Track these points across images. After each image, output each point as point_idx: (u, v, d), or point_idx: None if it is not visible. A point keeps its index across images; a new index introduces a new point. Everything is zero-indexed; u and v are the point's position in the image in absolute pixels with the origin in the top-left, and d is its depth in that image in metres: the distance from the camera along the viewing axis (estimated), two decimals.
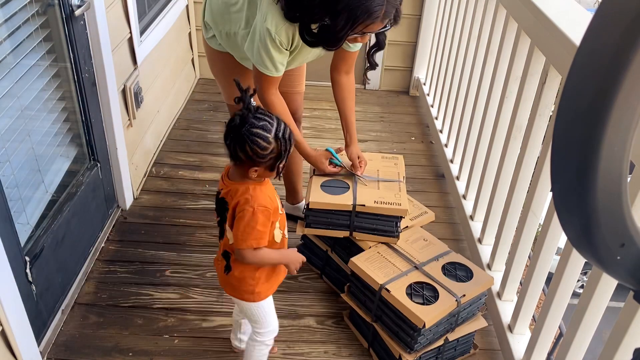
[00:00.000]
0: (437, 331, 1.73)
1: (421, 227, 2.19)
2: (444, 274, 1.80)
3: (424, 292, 1.73)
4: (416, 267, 1.82)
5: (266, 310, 1.58)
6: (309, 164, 2.07)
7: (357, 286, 1.87)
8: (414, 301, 1.69)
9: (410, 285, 1.74)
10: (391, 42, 3.71)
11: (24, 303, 1.61)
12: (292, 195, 2.46)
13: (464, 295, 1.71)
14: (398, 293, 1.70)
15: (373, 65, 1.87)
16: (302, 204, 2.45)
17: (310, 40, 1.61)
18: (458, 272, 1.82)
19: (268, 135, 1.32)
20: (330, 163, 2.02)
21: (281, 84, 2.08)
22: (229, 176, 1.45)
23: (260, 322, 1.59)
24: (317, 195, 1.96)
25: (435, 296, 1.71)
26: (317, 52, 1.82)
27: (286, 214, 2.49)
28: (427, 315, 1.63)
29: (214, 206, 1.52)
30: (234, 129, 1.32)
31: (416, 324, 1.65)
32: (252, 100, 1.34)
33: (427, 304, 1.68)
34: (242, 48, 1.80)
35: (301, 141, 1.94)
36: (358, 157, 2.07)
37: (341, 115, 2.07)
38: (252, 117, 1.32)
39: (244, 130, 1.31)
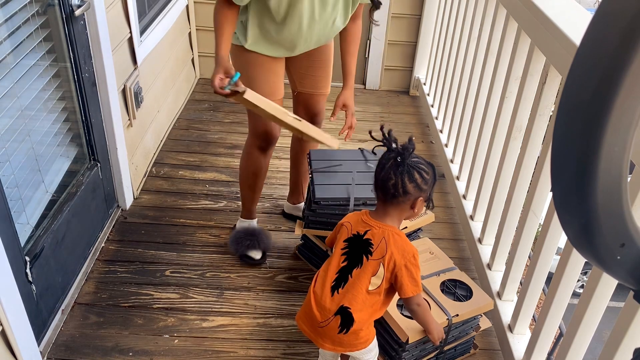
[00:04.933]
0: (424, 348, 1.71)
1: (421, 227, 2.19)
2: (442, 290, 1.77)
3: None
4: None
5: (376, 338, 1.55)
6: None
7: None
8: (403, 314, 1.66)
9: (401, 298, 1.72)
10: (391, 42, 3.71)
11: (24, 303, 1.61)
12: (294, 195, 2.47)
13: (457, 315, 1.68)
14: None
15: (377, 5, 1.85)
16: (302, 204, 2.45)
17: None
18: (458, 290, 1.79)
19: (425, 163, 1.45)
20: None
21: (307, 85, 2.09)
22: (375, 218, 1.47)
23: (371, 348, 1.55)
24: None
25: None
26: (317, 7, 1.74)
27: (286, 213, 2.50)
28: (413, 330, 1.61)
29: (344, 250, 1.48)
30: (398, 165, 1.41)
31: (400, 337, 1.63)
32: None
33: None
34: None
35: (222, 41, 1.74)
36: (344, 106, 2.03)
37: (341, 58, 2.05)
38: (404, 151, 1.42)
39: (409, 162, 1.41)
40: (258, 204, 2.58)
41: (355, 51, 2.05)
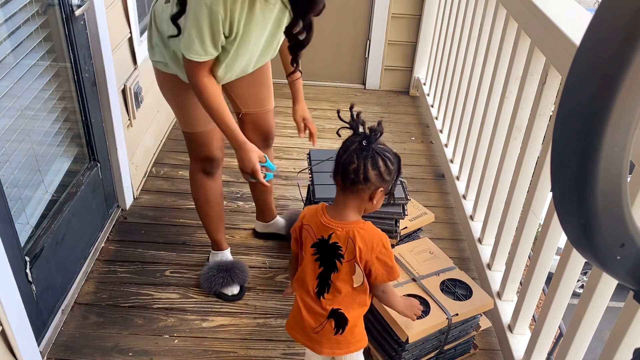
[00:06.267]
0: (423, 347, 1.71)
1: (421, 227, 2.19)
2: (442, 290, 1.77)
3: None
4: (414, 280, 1.79)
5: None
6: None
7: None
8: None
9: (403, 297, 1.72)
10: (391, 42, 3.71)
11: (24, 303, 1.61)
12: (264, 212, 2.34)
13: (457, 315, 1.68)
14: None
15: (295, 60, 1.72)
16: (278, 219, 2.37)
17: None
18: (457, 290, 1.79)
19: (391, 152, 1.35)
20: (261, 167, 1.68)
21: (250, 105, 1.98)
22: (334, 217, 1.38)
23: (359, 356, 1.54)
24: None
25: (426, 311, 1.68)
26: (264, 40, 1.65)
27: (260, 233, 2.40)
28: (412, 329, 1.61)
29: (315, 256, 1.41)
30: (363, 149, 1.30)
31: (399, 336, 1.63)
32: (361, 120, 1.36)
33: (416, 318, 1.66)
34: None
35: (233, 126, 1.66)
36: (303, 119, 1.97)
37: (286, 70, 1.90)
38: (370, 135, 1.32)
39: (374, 147, 1.31)
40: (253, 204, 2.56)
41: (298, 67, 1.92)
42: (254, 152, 1.65)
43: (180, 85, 1.75)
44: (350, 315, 1.42)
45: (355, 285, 1.41)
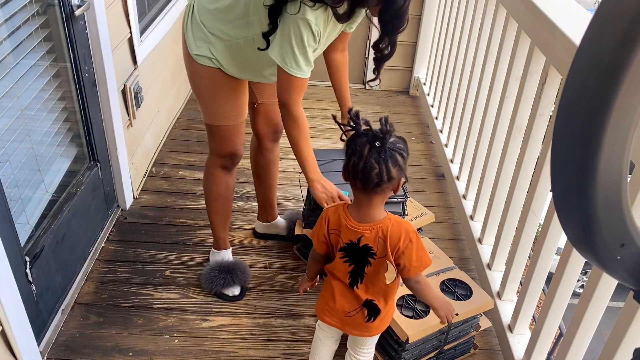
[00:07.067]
0: (423, 347, 1.71)
1: (421, 227, 2.19)
2: (442, 289, 1.77)
3: (415, 305, 1.71)
4: None
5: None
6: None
7: None
8: (403, 314, 1.67)
9: (403, 297, 1.72)
10: None
11: (24, 303, 1.61)
12: (267, 211, 2.34)
13: (457, 315, 1.67)
14: None
15: (377, 69, 1.80)
16: (279, 219, 2.38)
17: (343, 12, 1.52)
18: (458, 290, 1.79)
19: (401, 140, 1.36)
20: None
21: (267, 96, 2.00)
22: (360, 219, 1.38)
23: (374, 341, 1.57)
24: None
25: (426, 311, 1.68)
26: (326, 42, 1.74)
27: (260, 233, 2.40)
28: (412, 329, 1.61)
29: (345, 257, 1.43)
30: (379, 151, 1.29)
31: (399, 336, 1.64)
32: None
33: (415, 318, 1.66)
34: (252, 53, 1.67)
35: (315, 160, 1.73)
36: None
37: (337, 90, 2.02)
38: (384, 135, 1.31)
39: (389, 145, 1.30)
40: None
41: (347, 80, 2.01)
42: (329, 181, 1.73)
43: (220, 79, 1.77)
44: (382, 306, 1.45)
45: (387, 282, 1.43)
